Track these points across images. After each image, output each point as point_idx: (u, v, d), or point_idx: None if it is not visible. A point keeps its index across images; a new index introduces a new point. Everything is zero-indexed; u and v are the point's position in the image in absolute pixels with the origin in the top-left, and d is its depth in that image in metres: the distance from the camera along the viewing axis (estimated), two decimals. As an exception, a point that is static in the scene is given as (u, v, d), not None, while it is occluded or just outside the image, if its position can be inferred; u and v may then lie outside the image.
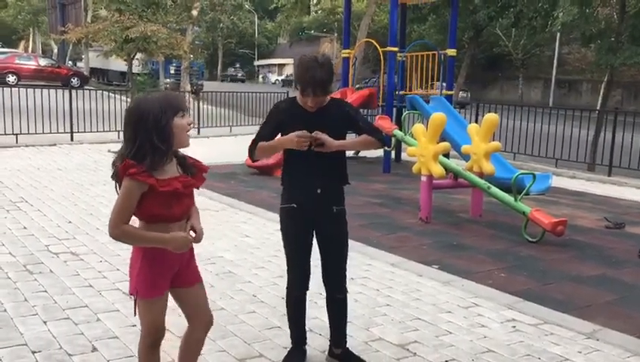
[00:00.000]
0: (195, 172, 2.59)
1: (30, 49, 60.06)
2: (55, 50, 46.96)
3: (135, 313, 2.57)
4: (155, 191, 2.39)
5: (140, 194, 2.39)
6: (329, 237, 3.26)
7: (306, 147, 3.05)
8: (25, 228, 6.01)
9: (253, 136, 3.25)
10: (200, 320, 2.72)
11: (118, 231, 2.40)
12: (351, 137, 3.36)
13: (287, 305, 3.37)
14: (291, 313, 3.35)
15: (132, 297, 2.56)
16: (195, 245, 2.60)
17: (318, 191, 3.16)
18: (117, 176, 2.43)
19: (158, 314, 2.56)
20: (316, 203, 3.18)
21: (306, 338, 3.41)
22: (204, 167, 2.65)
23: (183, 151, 2.58)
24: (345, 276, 3.36)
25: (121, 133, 12.05)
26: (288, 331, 3.41)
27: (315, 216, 3.20)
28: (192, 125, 2.52)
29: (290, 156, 3.19)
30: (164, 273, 2.54)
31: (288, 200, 3.23)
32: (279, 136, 3.20)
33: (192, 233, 2.56)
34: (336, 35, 57.38)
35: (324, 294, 3.38)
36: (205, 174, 2.64)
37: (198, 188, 2.60)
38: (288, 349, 3.40)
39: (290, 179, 3.23)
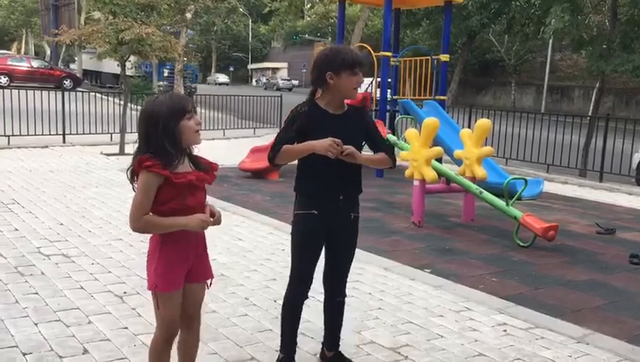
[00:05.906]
0: (206, 169, 2.68)
1: (23, 51, 59.88)
2: (48, 52, 46.81)
3: (158, 307, 2.63)
4: (171, 183, 2.48)
5: (156, 187, 2.48)
6: (343, 243, 3.26)
7: (335, 155, 2.96)
8: (16, 229, 5.98)
9: (273, 140, 3.13)
10: (195, 323, 2.77)
11: (140, 223, 2.49)
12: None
13: (284, 311, 3.28)
14: (289, 319, 3.28)
15: (152, 292, 2.62)
16: None
17: (341, 197, 3.16)
18: (133, 173, 2.51)
19: (175, 307, 2.63)
20: (338, 210, 3.17)
21: (296, 346, 3.35)
22: (214, 165, 2.74)
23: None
24: (346, 280, 3.36)
25: (114, 136, 11.96)
26: (280, 333, 3.39)
27: (334, 223, 3.18)
28: (200, 125, 2.61)
29: (312, 163, 3.08)
30: (181, 267, 2.62)
31: (309, 207, 3.13)
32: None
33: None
34: (330, 39, 57.48)
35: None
36: (216, 172, 2.74)
37: (210, 183, 2.69)
38: (278, 359, 3.31)
39: (312, 186, 3.14)
